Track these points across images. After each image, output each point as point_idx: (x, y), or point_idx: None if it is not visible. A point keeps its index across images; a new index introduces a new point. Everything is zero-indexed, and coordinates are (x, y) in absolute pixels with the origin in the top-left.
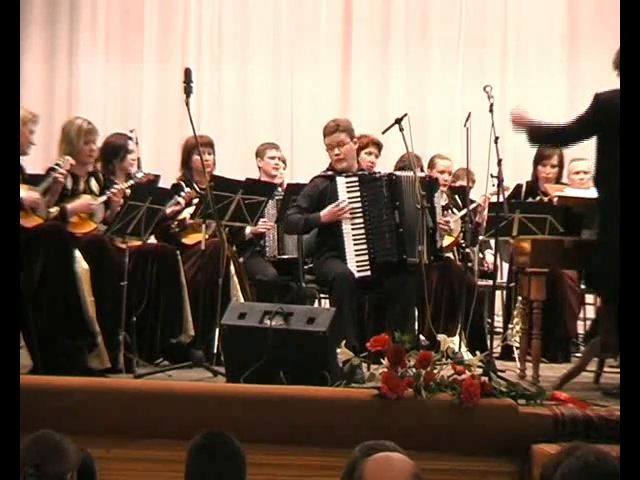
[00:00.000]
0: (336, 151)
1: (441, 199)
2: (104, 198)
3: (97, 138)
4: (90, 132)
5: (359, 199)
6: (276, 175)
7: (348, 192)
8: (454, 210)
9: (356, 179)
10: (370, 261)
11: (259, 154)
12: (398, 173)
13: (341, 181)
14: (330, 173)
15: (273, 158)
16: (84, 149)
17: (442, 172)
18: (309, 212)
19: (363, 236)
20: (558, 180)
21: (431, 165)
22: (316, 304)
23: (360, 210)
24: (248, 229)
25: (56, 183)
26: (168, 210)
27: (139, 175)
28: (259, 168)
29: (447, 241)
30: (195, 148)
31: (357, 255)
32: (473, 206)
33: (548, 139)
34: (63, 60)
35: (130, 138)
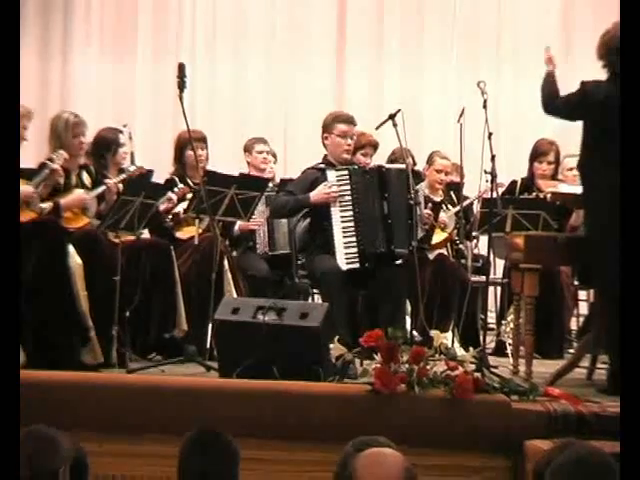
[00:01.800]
0: (349, 141)
1: (429, 193)
2: (98, 192)
3: (86, 130)
4: (77, 125)
5: (349, 191)
6: (265, 169)
7: (339, 185)
8: (448, 206)
9: (346, 172)
10: (359, 253)
11: (247, 149)
12: (387, 165)
13: (331, 174)
14: (322, 166)
15: (261, 152)
16: (73, 142)
17: (439, 171)
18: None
19: (352, 228)
20: (554, 177)
21: (430, 161)
22: (309, 299)
23: (350, 202)
24: (236, 226)
25: (52, 176)
26: (161, 207)
27: (131, 169)
28: (248, 163)
29: (441, 237)
30: (188, 143)
31: (346, 247)
32: (467, 202)
33: (546, 95)
34: (57, 56)
35: (121, 132)
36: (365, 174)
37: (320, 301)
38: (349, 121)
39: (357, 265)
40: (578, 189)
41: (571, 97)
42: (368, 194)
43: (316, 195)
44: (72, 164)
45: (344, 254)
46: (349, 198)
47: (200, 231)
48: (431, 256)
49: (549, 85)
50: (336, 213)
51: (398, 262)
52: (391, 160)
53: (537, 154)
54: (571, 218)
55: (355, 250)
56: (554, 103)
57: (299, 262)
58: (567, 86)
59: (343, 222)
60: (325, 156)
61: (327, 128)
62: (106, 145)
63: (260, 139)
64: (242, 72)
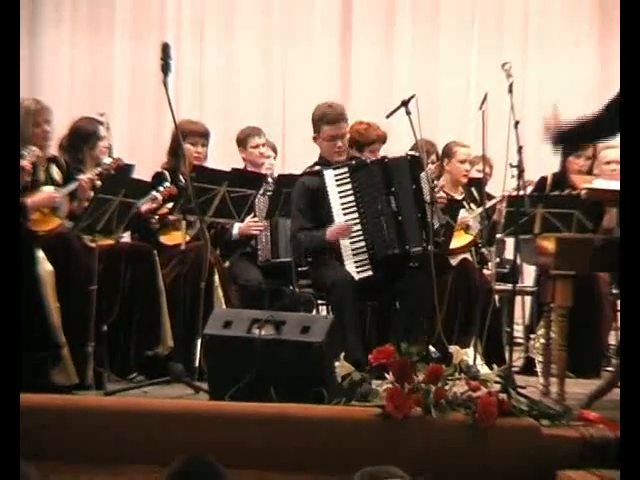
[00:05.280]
0: (339, 143)
1: (450, 190)
2: (70, 189)
3: (50, 117)
4: (40, 112)
5: (351, 191)
6: (263, 164)
7: (338, 186)
8: (472, 206)
9: (345, 169)
10: (370, 259)
11: (240, 143)
12: (390, 156)
13: (329, 174)
14: (317, 168)
15: (257, 146)
16: (37, 132)
17: (463, 161)
18: (310, 223)
19: (360, 232)
20: (589, 172)
21: (449, 154)
22: (313, 312)
23: (353, 204)
24: (235, 229)
25: (21, 173)
26: (144, 208)
27: (107, 161)
28: (243, 159)
29: (464, 240)
30: (188, 136)
31: (355, 255)
32: (492, 203)
33: (580, 137)
34: (23, 34)
35: (101, 123)
36: (365, 168)
37: (325, 313)
38: (337, 120)
39: (370, 273)
40: (617, 185)
41: (616, 97)
42: (372, 191)
43: (333, 234)
44: (39, 158)
45: (354, 262)
46: (352, 199)
47: (188, 238)
48: (454, 262)
49: (574, 128)
50: (339, 217)
51: (415, 265)
52: None
53: None
54: (603, 220)
55: (365, 257)
56: (596, 125)
57: (300, 269)
58: (604, 69)
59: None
60: (321, 155)
61: (315, 127)
62: (83, 138)
63: (255, 130)
64: (234, 53)
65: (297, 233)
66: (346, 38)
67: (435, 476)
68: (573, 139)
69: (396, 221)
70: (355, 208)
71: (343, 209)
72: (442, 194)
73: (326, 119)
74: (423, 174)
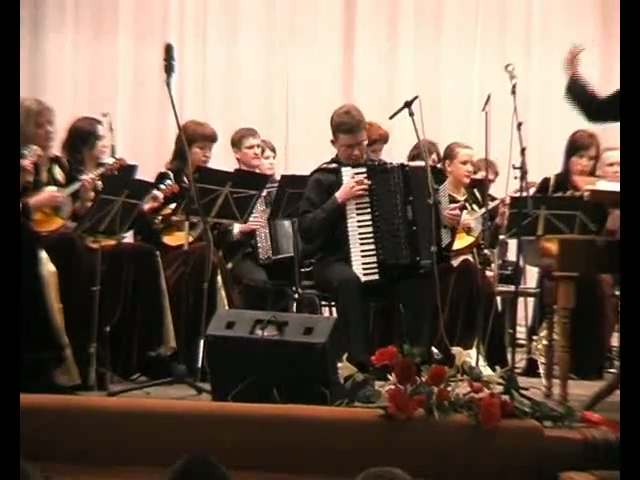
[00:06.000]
0: (355, 151)
1: (452, 191)
2: (72, 189)
3: (52, 118)
4: (41, 113)
5: (367, 192)
6: (258, 165)
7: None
8: (474, 207)
9: (364, 170)
10: (378, 263)
11: (235, 144)
12: (411, 164)
13: (348, 172)
14: (334, 166)
15: (251, 147)
16: (39, 133)
17: (465, 162)
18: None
19: (371, 235)
20: (592, 173)
21: (451, 155)
22: (317, 313)
23: (368, 205)
24: (236, 228)
25: (21, 175)
26: (145, 207)
27: (110, 161)
28: (238, 160)
29: (466, 241)
30: (197, 140)
31: (364, 257)
32: (494, 204)
33: (581, 102)
34: (25, 34)
35: (99, 122)
36: (386, 173)
37: (328, 314)
38: (354, 129)
39: (376, 277)
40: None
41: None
42: (390, 197)
43: (343, 194)
44: (41, 158)
45: (361, 264)
46: (367, 200)
47: (191, 239)
48: (455, 263)
49: (579, 89)
50: (352, 216)
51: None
52: (413, 155)
53: (576, 148)
54: (607, 222)
55: (374, 260)
56: (597, 106)
57: (303, 270)
58: (608, 71)
59: (360, 227)
60: (337, 155)
61: (333, 132)
62: (82, 137)
63: (249, 131)
64: (237, 53)
65: (303, 219)
66: (349, 39)
67: (437, 477)
68: (576, 99)
69: (410, 231)
70: (369, 210)
71: (357, 208)
72: (457, 212)
73: (343, 128)
74: (442, 186)
